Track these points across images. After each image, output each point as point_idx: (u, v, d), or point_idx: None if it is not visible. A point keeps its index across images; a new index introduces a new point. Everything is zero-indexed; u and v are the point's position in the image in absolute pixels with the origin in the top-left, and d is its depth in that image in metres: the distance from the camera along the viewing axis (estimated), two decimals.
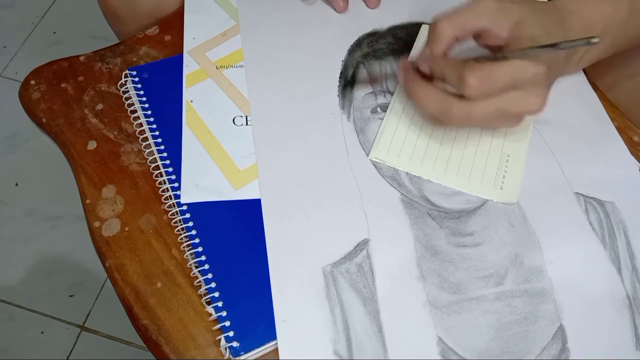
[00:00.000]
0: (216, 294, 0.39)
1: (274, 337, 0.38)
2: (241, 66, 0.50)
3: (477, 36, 0.42)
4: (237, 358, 0.37)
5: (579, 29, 0.41)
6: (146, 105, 0.48)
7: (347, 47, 0.51)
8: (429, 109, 0.41)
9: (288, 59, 0.50)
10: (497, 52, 0.40)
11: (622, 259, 0.41)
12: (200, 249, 0.41)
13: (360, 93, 0.48)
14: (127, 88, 0.49)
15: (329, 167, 0.45)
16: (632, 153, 0.46)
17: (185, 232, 0.42)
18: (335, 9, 0.53)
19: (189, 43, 0.51)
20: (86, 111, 0.48)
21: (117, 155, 0.46)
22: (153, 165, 0.45)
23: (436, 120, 0.42)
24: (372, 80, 0.48)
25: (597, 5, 0.42)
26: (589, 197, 0.43)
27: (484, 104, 0.38)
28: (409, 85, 0.43)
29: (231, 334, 0.38)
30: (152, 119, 0.47)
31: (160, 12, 0.57)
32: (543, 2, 0.42)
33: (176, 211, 0.43)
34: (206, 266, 0.40)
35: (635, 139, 0.47)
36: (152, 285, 0.40)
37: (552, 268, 0.40)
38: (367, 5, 0.53)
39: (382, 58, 0.50)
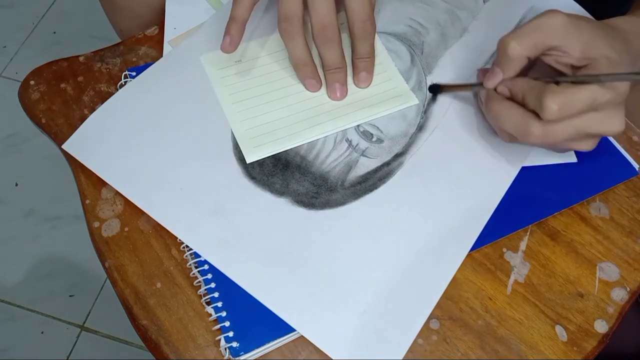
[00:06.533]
0: (216, 294, 0.39)
1: (274, 337, 0.38)
2: None
3: (546, 54, 0.40)
4: (236, 358, 0.37)
5: None
6: None
7: None
8: (506, 127, 0.40)
9: None
10: (574, 72, 0.39)
11: None
12: None
13: None
14: None
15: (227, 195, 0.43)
16: (631, 153, 0.46)
17: None
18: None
19: (169, 33, 0.51)
20: (86, 111, 0.48)
21: None
22: None
23: (510, 138, 0.41)
24: None
25: None
26: None
27: (562, 125, 0.37)
28: (488, 102, 0.42)
29: (231, 334, 0.38)
30: None
31: None
32: (602, 21, 0.41)
33: None
34: (206, 266, 0.40)
35: (635, 138, 0.47)
36: (152, 286, 0.40)
37: None
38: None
39: None
